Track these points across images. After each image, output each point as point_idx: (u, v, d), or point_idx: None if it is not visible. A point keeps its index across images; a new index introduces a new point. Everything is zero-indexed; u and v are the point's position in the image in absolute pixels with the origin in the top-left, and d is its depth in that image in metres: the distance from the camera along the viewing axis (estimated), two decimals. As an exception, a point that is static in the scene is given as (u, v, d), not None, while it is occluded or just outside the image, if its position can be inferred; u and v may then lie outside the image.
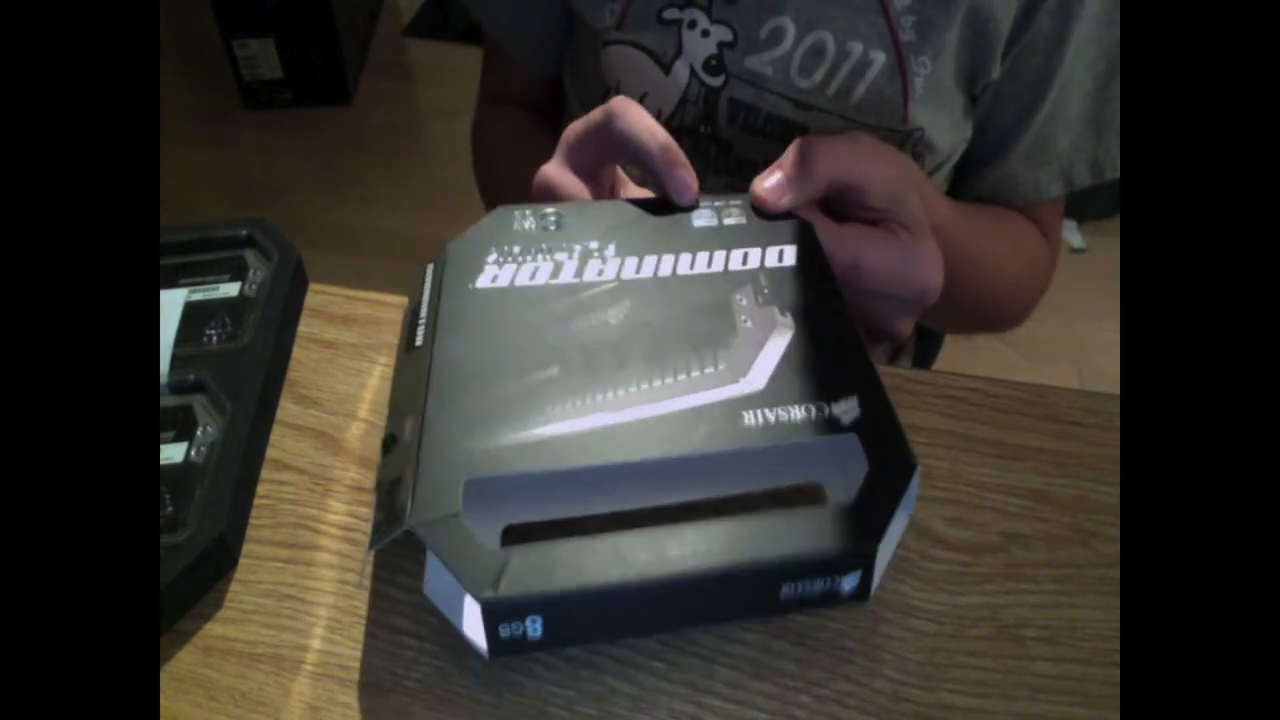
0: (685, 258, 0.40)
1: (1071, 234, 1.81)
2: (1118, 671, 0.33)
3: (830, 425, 0.33)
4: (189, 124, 2.08)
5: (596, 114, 0.44)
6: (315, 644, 0.34)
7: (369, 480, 0.39)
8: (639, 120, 0.43)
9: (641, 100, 0.60)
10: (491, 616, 0.30)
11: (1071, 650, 0.34)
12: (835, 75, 0.55)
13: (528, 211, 0.42)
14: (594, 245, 0.41)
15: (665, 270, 0.40)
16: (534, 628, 0.30)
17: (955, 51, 0.55)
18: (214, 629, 0.35)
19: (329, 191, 1.97)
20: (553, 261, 0.40)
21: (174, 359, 0.40)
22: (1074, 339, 1.66)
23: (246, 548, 0.37)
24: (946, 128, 0.58)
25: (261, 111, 2.12)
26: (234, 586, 0.36)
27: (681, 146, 0.61)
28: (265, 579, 0.36)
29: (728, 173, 0.61)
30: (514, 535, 0.32)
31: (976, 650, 0.34)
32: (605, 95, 0.61)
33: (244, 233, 0.46)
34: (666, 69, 0.58)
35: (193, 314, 0.42)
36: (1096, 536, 0.36)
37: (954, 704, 0.33)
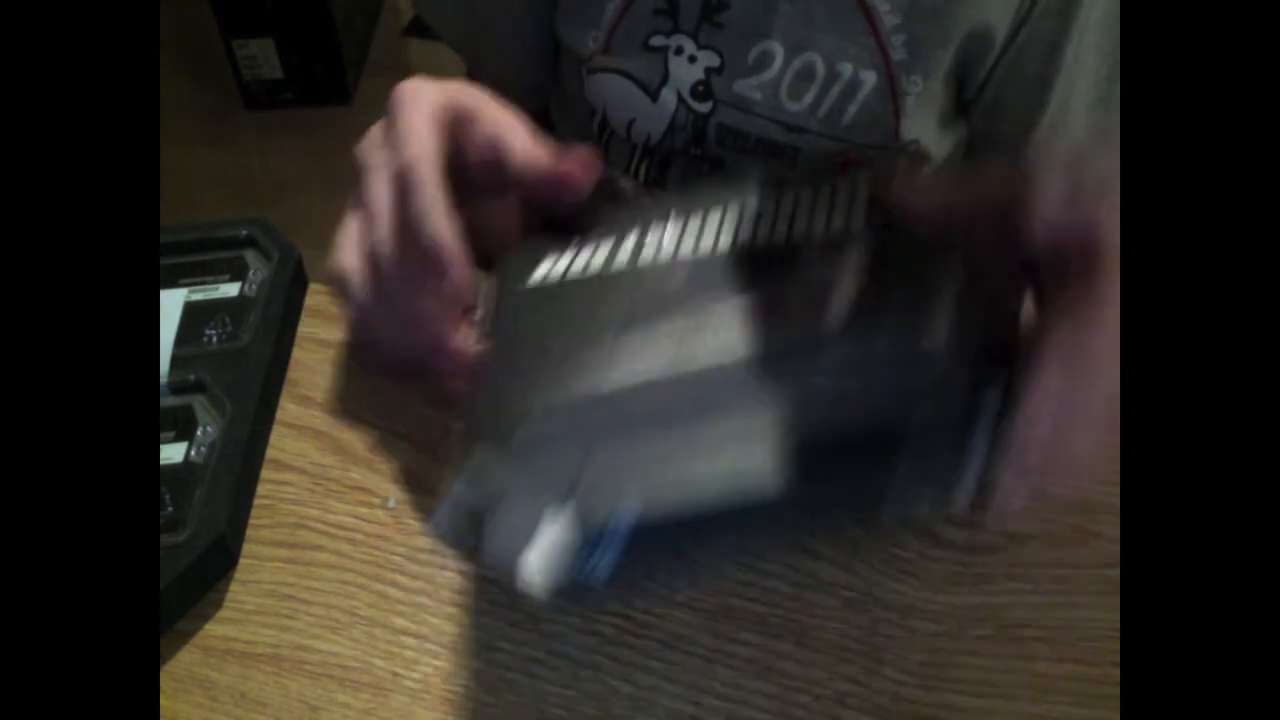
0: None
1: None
2: (1118, 671, 0.33)
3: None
4: (189, 124, 2.08)
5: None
6: (315, 644, 0.34)
7: (369, 480, 0.39)
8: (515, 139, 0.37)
9: (629, 126, 0.59)
10: (575, 519, 0.28)
11: (1071, 650, 0.34)
12: (825, 97, 0.55)
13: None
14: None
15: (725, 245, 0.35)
16: (606, 556, 0.28)
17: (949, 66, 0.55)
18: (214, 629, 0.35)
19: (329, 191, 1.96)
20: (609, 247, 0.37)
21: (174, 359, 0.40)
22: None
23: (246, 548, 0.37)
24: (939, 134, 0.58)
25: (261, 111, 2.11)
26: (234, 586, 0.36)
27: (673, 168, 0.60)
28: (265, 579, 0.36)
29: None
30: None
31: (976, 650, 0.34)
32: (592, 118, 0.61)
33: (244, 233, 0.46)
34: (654, 96, 0.58)
35: (193, 314, 0.42)
36: (1097, 536, 0.36)
37: (954, 704, 0.33)
